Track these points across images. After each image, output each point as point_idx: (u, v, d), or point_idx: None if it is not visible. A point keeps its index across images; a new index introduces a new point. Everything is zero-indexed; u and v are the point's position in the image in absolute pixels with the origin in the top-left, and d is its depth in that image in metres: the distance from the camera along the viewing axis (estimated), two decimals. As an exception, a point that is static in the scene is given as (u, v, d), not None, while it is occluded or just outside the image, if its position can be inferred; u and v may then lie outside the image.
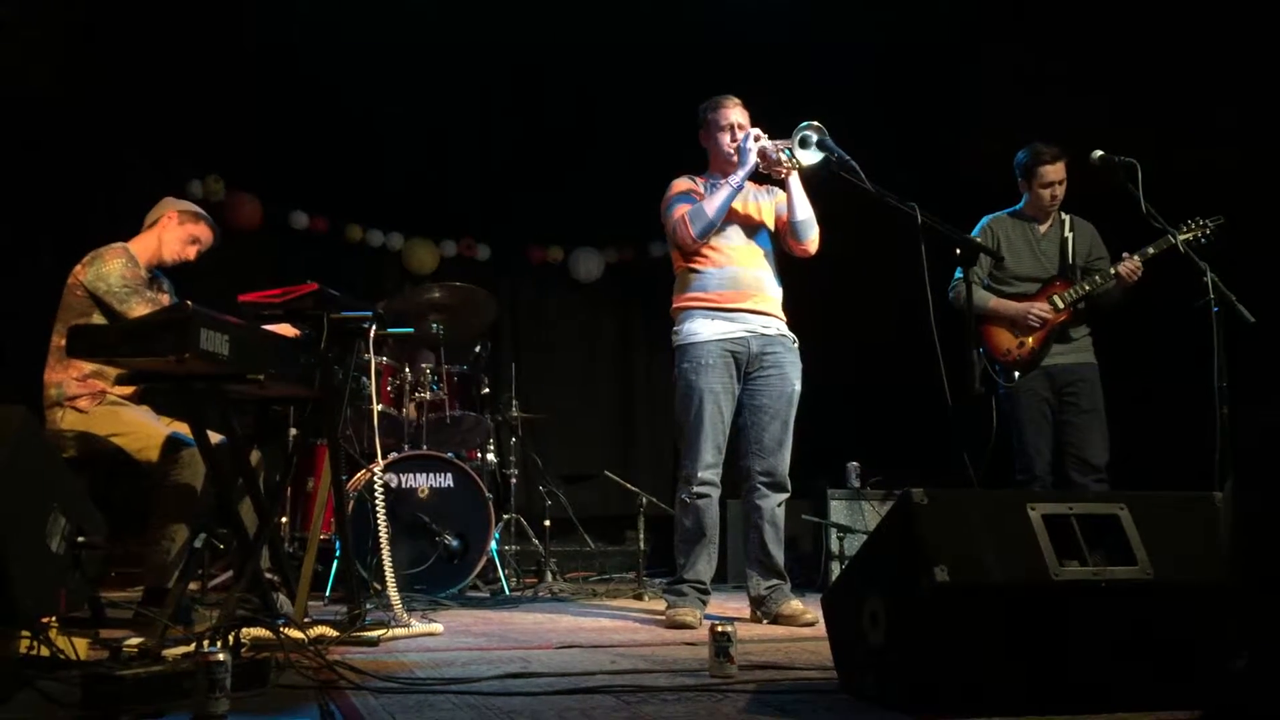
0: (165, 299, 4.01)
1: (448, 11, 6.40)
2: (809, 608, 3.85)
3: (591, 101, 6.61)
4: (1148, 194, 4.02)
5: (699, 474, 3.96)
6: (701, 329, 4.02)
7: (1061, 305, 4.46)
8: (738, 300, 4.03)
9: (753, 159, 4.00)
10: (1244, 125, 4.80)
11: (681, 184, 4.19)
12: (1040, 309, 4.45)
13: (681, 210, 4.06)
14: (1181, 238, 4.20)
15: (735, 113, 4.15)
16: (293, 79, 6.24)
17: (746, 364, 4.03)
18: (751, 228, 4.13)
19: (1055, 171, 4.49)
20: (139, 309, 3.71)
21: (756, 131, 4.05)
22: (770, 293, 4.10)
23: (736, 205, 4.08)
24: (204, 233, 4.08)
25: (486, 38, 6.55)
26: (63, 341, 3.80)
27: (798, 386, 4.08)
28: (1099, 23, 5.30)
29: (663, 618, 3.95)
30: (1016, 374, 4.49)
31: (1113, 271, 4.38)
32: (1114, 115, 5.03)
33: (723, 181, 4.06)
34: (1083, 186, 4.52)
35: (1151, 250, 4.33)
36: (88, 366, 3.79)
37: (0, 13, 5.01)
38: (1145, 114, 4.92)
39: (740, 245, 4.08)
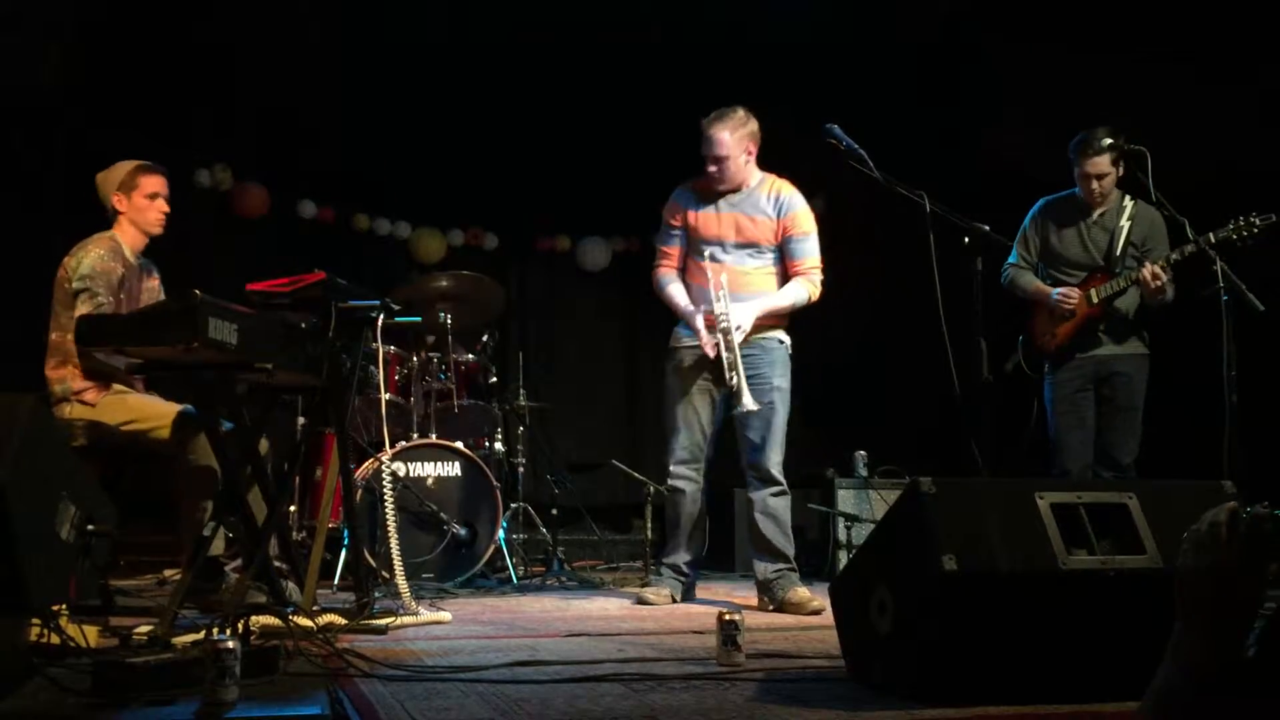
0: (145, 297, 3.97)
1: (456, 4, 6.39)
2: (816, 595, 3.88)
3: (600, 91, 6.59)
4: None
5: (670, 468, 4.24)
6: (682, 336, 4.23)
7: (1095, 300, 4.30)
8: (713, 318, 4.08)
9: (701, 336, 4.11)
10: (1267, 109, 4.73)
11: (666, 212, 4.33)
12: (1067, 293, 4.32)
13: (659, 258, 4.34)
14: (1220, 236, 4.01)
15: (706, 141, 4.14)
16: (299, 68, 6.23)
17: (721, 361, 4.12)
18: (740, 243, 4.17)
19: (1094, 165, 4.28)
20: (82, 308, 3.65)
21: (710, 340, 4.05)
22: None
23: (723, 221, 4.17)
24: (153, 184, 3.97)
25: (494, 28, 6.53)
26: (60, 337, 3.79)
27: (780, 383, 4.13)
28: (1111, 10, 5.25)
29: (672, 607, 4.04)
30: (1046, 365, 4.42)
31: (1133, 277, 4.19)
32: (1127, 105, 4.99)
33: (684, 311, 4.18)
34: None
35: (1175, 256, 4.14)
36: (88, 363, 3.77)
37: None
38: (1156, 103, 4.88)
39: (726, 263, 4.15)
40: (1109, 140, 4.25)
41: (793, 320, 4.28)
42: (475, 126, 6.67)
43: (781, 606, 3.97)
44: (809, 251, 4.18)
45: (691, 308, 4.14)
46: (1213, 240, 4.04)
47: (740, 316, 4.02)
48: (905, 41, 6.30)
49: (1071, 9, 5.39)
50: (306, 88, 6.28)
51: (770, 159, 4.28)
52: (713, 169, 4.12)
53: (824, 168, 4.08)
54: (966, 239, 3.63)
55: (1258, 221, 3.99)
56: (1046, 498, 2.26)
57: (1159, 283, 4.12)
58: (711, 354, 4.04)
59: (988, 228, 3.52)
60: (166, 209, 4.01)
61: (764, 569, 4.10)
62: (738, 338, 3.99)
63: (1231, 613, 1.25)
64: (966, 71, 6.16)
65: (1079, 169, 4.34)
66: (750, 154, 4.16)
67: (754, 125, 4.16)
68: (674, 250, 4.31)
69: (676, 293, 4.23)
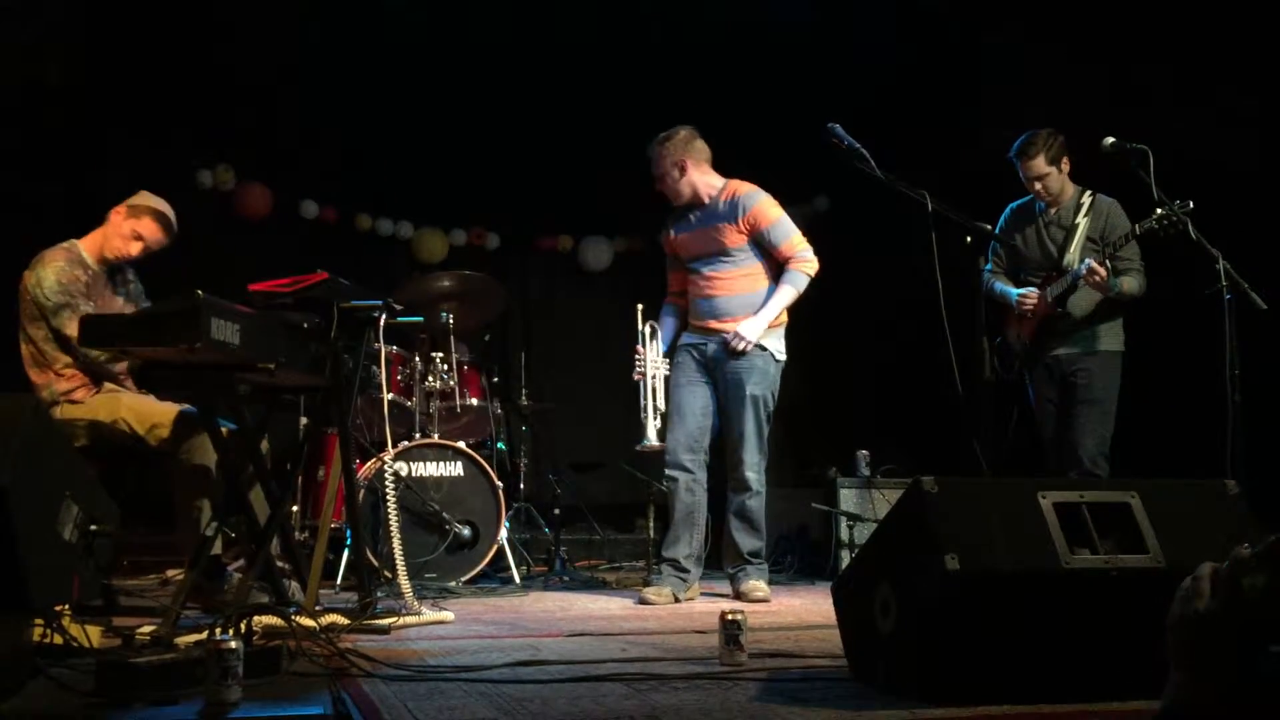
0: (119, 302, 3.95)
1: (456, 4, 6.39)
2: (760, 585, 4.24)
3: (601, 91, 6.59)
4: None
5: (667, 458, 4.39)
6: (684, 335, 4.53)
7: (1049, 299, 4.31)
8: (701, 325, 4.44)
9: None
10: (1261, 110, 4.72)
11: (662, 241, 4.61)
12: (1026, 294, 4.36)
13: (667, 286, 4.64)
14: (1145, 227, 4.02)
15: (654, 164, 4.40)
16: (302, 69, 6.23)
17: (709, 362, 4.38)
18: (711, 255, 4.39)
19: (1031, 169, 4.31)
20: (69, 325, 3.63)
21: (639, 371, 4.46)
22: (729, 313, 4.34)
23: (695, 238, 4.41)
24: (148, 229, 3.92)
25: (495, 28, 6.53)
26: (32, 349, 3.77)
27: (755, 391, 4.28)
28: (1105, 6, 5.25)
29: (675, 606, 4.06)
30: (1016, 365, 4.45)
31: (1079, 273, 4.17)
32: (1117, 97, 4.98)
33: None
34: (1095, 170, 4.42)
35: (1109, 249, 4.17)
36: (62, 358, 3.76)
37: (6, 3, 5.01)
38: (1151, 99, 4.87)
39: (704, 274, 4.40)
40: (1112, 139, 4.24)
41: (793, 321, 4.30)
42: (477, 126, 6.68)
43: (738, 596, 4.26)
44: (785, 234, 4.32)
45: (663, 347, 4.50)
46: (1137, 232, 4.09)
47: (747, 330, 4.24)
48: (905, 41, 6.30)
49: (1071, 10, 5.39)
50: (308, 88, 6.29)
51: (771, 159, 4.29)
52: (659, 187, 4.40)
53: (826, 166, 4.07)
54: (969, 238, 3.62)
55: (1178, 208, 3.96)
56: (1049, 497, 2.25)
57: (1096, 279, 4.13)
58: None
59: (990, 227, 3.52)
60: (134, 255, 3.94)
61: (730, 566, 4.41)
62: (739, 345, 4.22)
63: (1213, 666, 1.24)
64: (967, 70, 6.15)
65: (1021, 174, 4.38)
66: (686, 167, 4.33)
67: (695, 143, 4.36)
68: (674, 276, 4.60)
69: (662, 326, 4.53)
